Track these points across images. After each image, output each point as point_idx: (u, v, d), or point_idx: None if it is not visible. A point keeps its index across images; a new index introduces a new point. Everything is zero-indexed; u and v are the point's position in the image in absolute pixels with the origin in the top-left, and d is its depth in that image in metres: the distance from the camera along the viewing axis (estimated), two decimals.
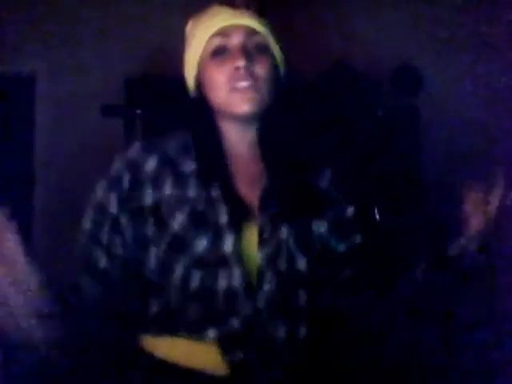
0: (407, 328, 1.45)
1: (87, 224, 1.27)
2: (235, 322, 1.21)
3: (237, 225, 1.25)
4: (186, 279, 1.22)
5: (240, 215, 1.27)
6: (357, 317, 1.34)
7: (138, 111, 2.16)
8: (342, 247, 1.33)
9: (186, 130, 1.36)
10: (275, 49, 1.36)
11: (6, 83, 2.69)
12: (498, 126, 2.60)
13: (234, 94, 1.29)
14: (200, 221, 1.24)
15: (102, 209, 1.27)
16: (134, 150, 1.30)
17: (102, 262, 1.25)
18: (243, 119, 1.33)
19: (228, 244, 1.24)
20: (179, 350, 1.22)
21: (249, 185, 1.32)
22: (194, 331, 1.21)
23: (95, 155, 2.59)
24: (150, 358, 1.22)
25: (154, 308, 1.23)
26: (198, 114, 1.37)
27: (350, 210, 1.38)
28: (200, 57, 1.34)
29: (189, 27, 1.39)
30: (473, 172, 2.59)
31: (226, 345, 1.20)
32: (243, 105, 1.29)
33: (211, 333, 1.20)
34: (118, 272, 1.25)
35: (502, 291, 2.45)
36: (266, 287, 1.23)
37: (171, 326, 1.22)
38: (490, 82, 2.62)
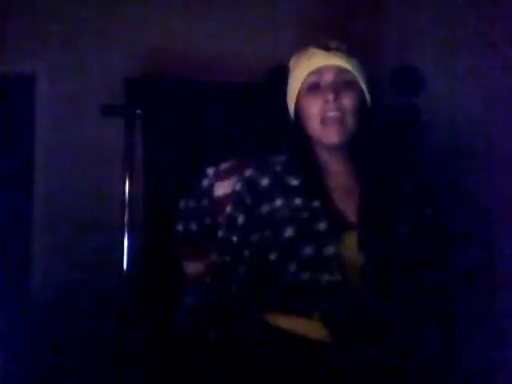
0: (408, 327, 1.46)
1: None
2: (333, 307, 1.46)
3: (336, 232, 1.50)
4: (297, 275, 1.49)
5: (338, 224, 1.52)
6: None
7: (138, 111, 2.15)
8: (426, 244, 1.57)
9: (287, 152, 1.64)
10: (363, 84, 1.61)
11: (5, 83, 2.69)
12: (498, 125, 2.59)
13: (324, 126, 1.55)
14: (306, 229, 1.50)
15: (232, 219, 1.59)
16: (250, 170, 1.62)
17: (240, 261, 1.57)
18: (333, 147, 1.59)
19: (329, 249, 1.48)
20: (294, 323, 1.48)
21: (345, 197, 1.57)
22: (303, 313, 1.49)
23: (95, 155, 2.59)
24: (274, 328, 1.50)
25: (275, 293, 1.52)
26: (298, 139, 1.63)
27: (429, 210, 1.63)
28: (298, 91, 1.61)
29: (291, 64, 1.65)
30: (473, 172, 2.59)
31: (327, 324, 1.46)
32: (332, 136, 1.55)
33: (316, 314, 1.47)
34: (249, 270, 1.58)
35: (502, 291, 2.45)
36: (368, 281, 1.47)
37: (288, 307, 1.50)
38: (489, 82, 2.62)
